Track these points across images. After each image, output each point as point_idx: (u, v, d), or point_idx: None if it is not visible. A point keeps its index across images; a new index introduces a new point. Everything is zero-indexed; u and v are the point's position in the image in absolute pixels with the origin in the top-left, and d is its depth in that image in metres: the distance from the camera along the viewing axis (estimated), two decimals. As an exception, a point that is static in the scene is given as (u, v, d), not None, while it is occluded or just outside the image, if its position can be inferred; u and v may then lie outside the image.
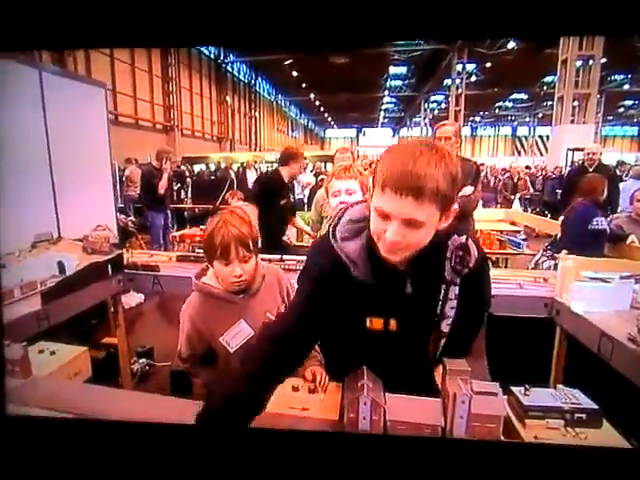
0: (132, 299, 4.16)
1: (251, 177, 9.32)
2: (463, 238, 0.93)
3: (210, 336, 1.26)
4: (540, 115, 28.50)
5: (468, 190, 2.42)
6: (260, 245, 2.97)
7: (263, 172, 9.29)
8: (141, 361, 2.93)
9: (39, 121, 3.11)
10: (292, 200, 3.33)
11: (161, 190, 4.75)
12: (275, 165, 3.67)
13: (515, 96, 26.82)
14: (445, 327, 0.98)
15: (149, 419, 0.95)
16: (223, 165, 11.65)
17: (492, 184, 9.50)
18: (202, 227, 4.77)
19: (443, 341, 0.98)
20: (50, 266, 2.15)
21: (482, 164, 10.97)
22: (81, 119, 3.84)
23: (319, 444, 0.53)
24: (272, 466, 0.50)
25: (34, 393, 1.04)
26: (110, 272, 2.48)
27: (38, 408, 0.94)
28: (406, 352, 0.99)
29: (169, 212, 5.30)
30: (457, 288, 0.95)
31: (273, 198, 3.09)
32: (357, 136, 38.29)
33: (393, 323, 0.98)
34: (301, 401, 1.05)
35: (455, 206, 0.84)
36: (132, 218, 5.90)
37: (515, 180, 9.00)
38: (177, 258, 2.76)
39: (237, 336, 1.24)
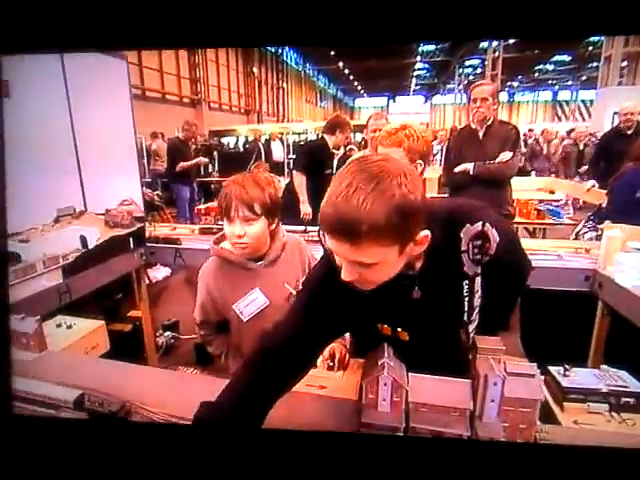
0: (159, 273, 4.24)
1: (276, 149, 9.20)
2: (478, 226, 0.78)
3: (223, 303, 1.23)
4: (584, 78, 26.61)
5: (506, 156, 2.26)
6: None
7: (309, 140, 9.10)
8: (166, 334, 2.98)
9: (61, 94, 3.11)
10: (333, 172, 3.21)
11: (178, 169, 4.78)
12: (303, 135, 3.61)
13: (557, 58, 25.04)
14: (475, 316, 0.88)
15: (160, 394, 0.92)
16: (251, 137, 11.61)
17: (545, 151, 8.10)
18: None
19: (473, 326, 0.89)
20: (73, 240, 2.17)
21: (531, 130, 10.07)
22: (103, 92, 3.83)
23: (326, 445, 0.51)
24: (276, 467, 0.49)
25: (48, 367, 1.03)
26: (132, 246, 2.50)
27: (52, 383, 0.93)
28: (431, 352, 0.87)
29: (195, 185, 5.32)
30: (480, 278, 0.83)
31: (319, 167, 2.99)
32: (388, 104, 37.11)
33: (404, 330, 0.89)
34: (319, 379, 0.99)
35: (425, 232, 0.70)
36: (158, 192, 5.98)
37: (581, 148, 7.22)
38: (200, 231, 2.75)
39: (251, 305, 1.20)
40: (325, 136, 3.04)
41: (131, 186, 4.30)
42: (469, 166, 2.31)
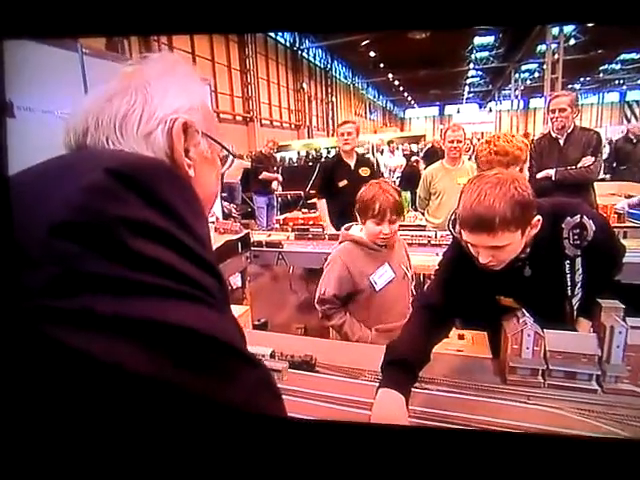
0: (238, 280, 4.64)
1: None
2: (577, 218, 1.02)
3: (359, 277, 1.51)
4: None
5: (588, 161, 2.38)
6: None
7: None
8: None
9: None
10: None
11: (261, 177, 5.27)
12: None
13: (624, 57, 23.57)
14: (577, 290, 1.10)
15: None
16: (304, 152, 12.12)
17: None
18: (303, 210, 5.13)
19: (577, 299, 1.10)
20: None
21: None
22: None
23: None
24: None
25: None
26: (240, 249, 2.86)
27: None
28: (541, 318, 1.07)
29: (274, 195, 5.76)
30: (580, 258, 1.06)
31: (332, 182, 2.98)
32: (441, 113, 36.70)
33: (519, 301, 1.11)
34: (455, 345, 1.24)
35: (537, 217, 0.96)
36: (234, 205, 6.49)
37: None
38: (295, 237, 3.06)
39: (383, 276, 1.51)
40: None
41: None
42: (551, 172, 2.45)
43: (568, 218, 1.03)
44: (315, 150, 12.77)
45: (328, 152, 11.74)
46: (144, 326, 0.31)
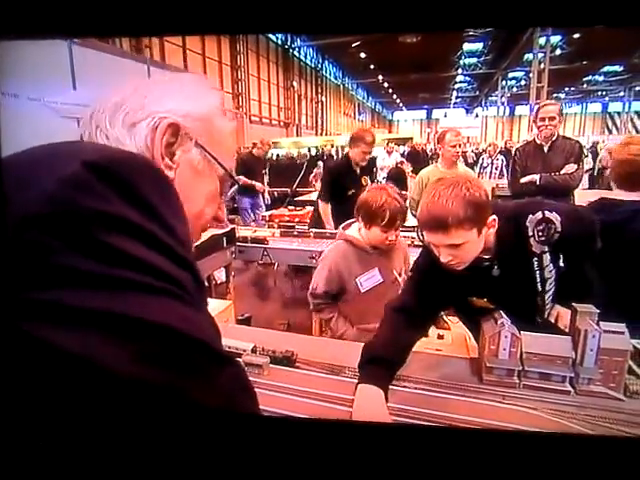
0: (223, 274, 4.61)
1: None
2: (539, 214, 1.04)
3: (347, 277, 1.53)
4: (638, 89, 25.44)
5: (571, 168, 2.45)
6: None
7: (332, 162, 8.84)
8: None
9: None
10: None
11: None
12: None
13: (607, 69, 24.18)
14: (549, 286, 1.13)
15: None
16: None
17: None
18: (289, 207, 5.12)
19: (549, 294, 1.13)
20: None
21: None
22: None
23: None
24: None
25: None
26: (225, 244, 2.85)
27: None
28: (515, 315, 1.10)
29: (259, 197, 5.69)
30: (549, 254, 1.09)
31: (342, 190, 2.80)
32: (428, 117, 37.06)
33: (490, 301, 1.14)
34: (434, 344, 1.26)
35: (493, 217, 1.01)
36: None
37: None
38: (281, 233, 3.06)
39: (369, 280, 1.53)
40: (349, 152, 2.94)
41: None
42: (536, 177, 2.52)
43: (530, 216, 1.05)
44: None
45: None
46: (117, 321, 0.30)
